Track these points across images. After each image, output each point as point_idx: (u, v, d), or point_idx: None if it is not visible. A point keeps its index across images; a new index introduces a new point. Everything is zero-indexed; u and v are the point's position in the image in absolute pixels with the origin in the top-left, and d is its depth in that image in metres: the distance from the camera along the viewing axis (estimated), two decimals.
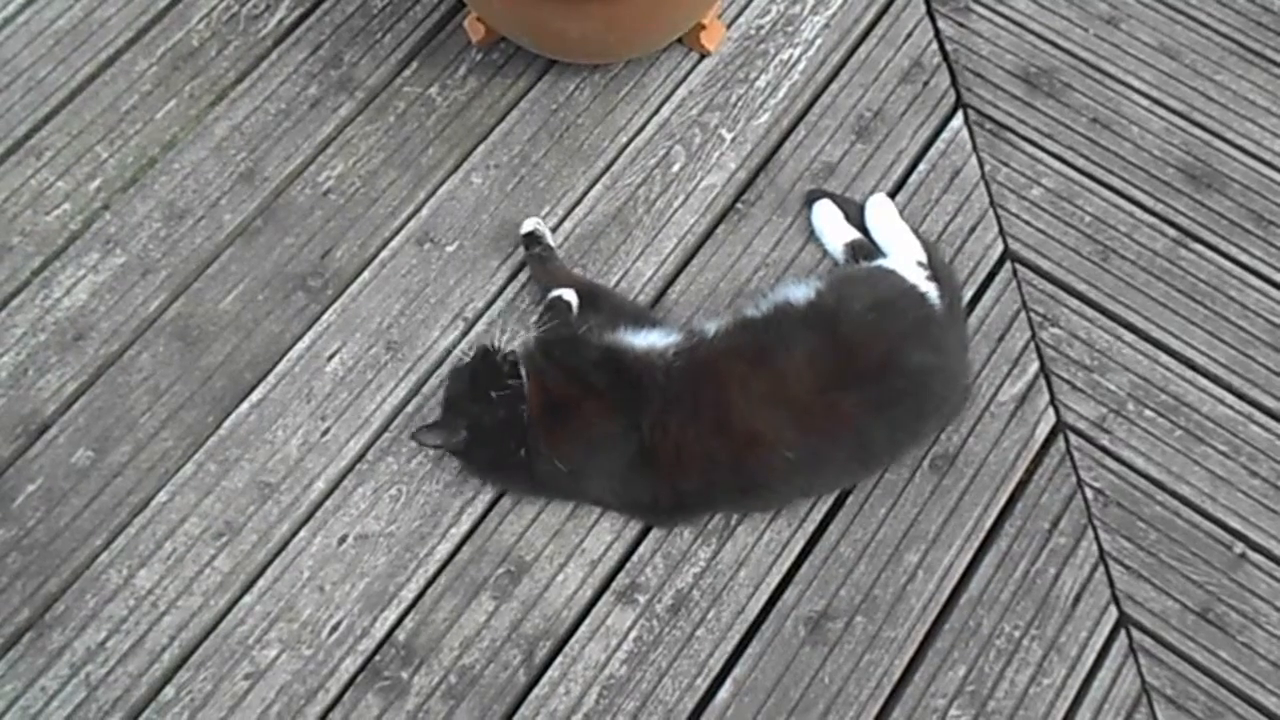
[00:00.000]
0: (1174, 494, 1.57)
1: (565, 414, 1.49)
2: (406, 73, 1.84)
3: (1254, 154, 1.79)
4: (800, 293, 1.53)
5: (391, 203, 1.75)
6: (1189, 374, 1.65)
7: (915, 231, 1.67)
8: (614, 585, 1.52)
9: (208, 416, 1.61)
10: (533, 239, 1.67)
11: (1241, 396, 1.63)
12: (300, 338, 1.66)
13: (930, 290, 1.55)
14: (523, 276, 1.70)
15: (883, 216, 1.68)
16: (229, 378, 1.64)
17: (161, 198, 1.75)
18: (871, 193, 1.75)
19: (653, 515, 1.55)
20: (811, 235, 1.72)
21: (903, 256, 1.60)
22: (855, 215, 1.70)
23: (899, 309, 1.52)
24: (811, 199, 1.73)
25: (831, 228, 1.69)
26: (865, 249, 1.66)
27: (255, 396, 1.62)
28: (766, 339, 1.48)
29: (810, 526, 1.56)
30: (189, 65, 1.84)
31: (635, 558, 1.54)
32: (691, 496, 1.52)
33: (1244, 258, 1.72)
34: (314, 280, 1.70)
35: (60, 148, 1.78)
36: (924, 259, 1.60)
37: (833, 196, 1.73)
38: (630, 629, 1.50)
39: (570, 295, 1.57)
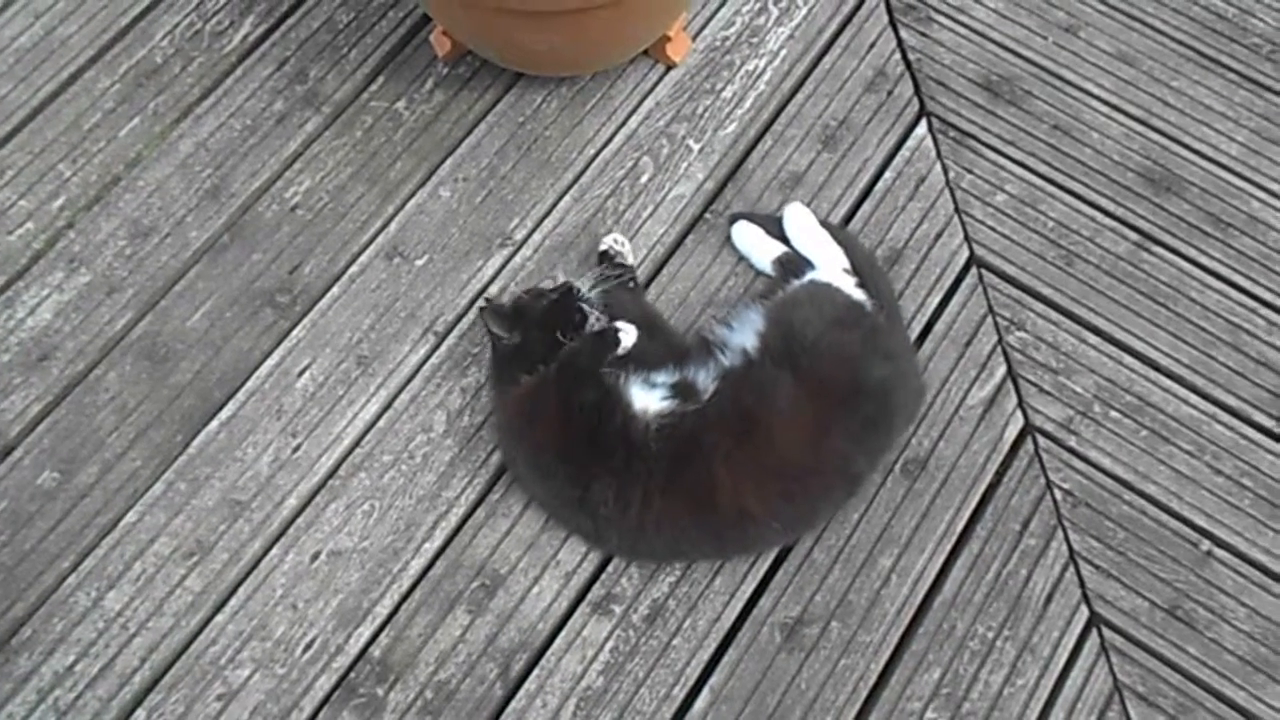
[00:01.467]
0: (1141, 493, 1.60)
1: (532, 426, 1.50)
2: (373, 87, 1.84)
3: (1211, 158, 1.83)
4: (750, 333, 1.52)
5: (360, 217, 1.75)
6: (1153, 375, 1.67)
7: (836, 235, 1.67)
8: (589, 596, 1.52)
9: (176, 435, 1.59)
10: (607, 257, 1.66)
11: (1204, 396, 1.66)
12: (269, 354, 1.65)
13: (862, 297, 1.57)
14: (494, 289, 1.70)
15: (801, 226, 1.67)
16: (198, 396, 1.62)
17: (126, 215, 1.73)
18: (838, 200, 1.77)
19: (595, 545, 1.54)
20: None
21: (829, 265, 1.61)
22: (777, 230, 1.70)
23: (846, 326, 1.52)
24: (731, 223, 1.73)
25: (756, 246, 1.69)
26: (794, 262, 1.65)
27: (224, 414, 1.61)
28: (747, 402, 1.45)
29: None
30: (152, 82, 1.83)
31: (610, 568, 1.54)
32: (648, 551, 1.52)
33: (1204, 260, 1.75)
34: (282, 296, 1.69)
35: (22, 166, 1.76)
36: (848, 264, 1.61)
37: (749, 217, 1.72)
38: (606, 640, 1.50)
39: (629, 336, 1.49)
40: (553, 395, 1.48)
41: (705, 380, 1.50)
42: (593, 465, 1.45)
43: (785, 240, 1.68)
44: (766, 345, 1.50)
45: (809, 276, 1.61)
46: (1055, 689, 1.49)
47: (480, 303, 1.58)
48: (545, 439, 1.49)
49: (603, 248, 1.67)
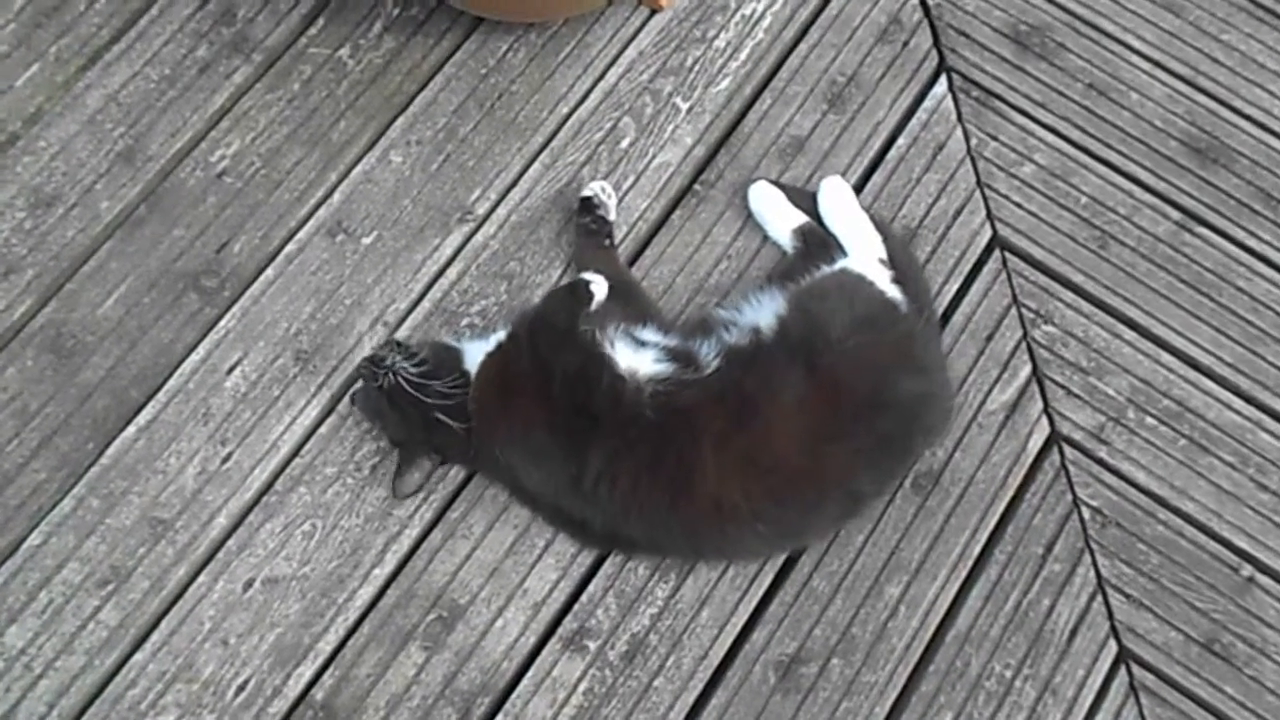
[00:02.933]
0: (1177, 511, 1.44)
1: (510, 404, 1.31)
2: (312, 31, 1.60)
3: (1262, 124, 1.63)
4: (768, 314, 1.35)
5: (298, 186, 1.53)
6: (1193, 375, 1.50)
7: (875, 219, 1.47)
8: (560, 631, 1.36)
9: (88, 443, 1.41)
10: (588, 207, 1.48)
11: (1249, 400, 1.49)
12: (194, 348, 1.45)
13: (898, 296, 1.38)
14: (452, 272, 1.50)
15: (838, 205, 1.48)
16: (112, 396, 1.43)
17: (25, 182, 1.51)
18: (846, 170, 1.56)
19: (582, 538, 1.39)
20: None
21: (864, 254, 1.42)
22: (803, 203, 1.51)
23: (879, 329, 1.34)
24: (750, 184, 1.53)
25: (774, 212, 1.51)
26: (817, 235, 1.47)
27: (143, 418, 1.42)
28: (750, 386, 1.29)
29: (780, 558, 1.39)
30: (53, 22, 1.58)
31: (584, 598, 1.37)
32: (628, 541, 1.37)
33: (1252, 242, 1.57)
34: (209, 279, 1.48)
35: None
36: (885, 255, 1.42)
37: (772, 182, 1.53)
38: (579, 680, 1.34)
39: (600, 287, 1.35)
40: (530, 367, 1.30)
41: (708, 353, 1.34)
42: (586, 435, 1.29)
43: (813, 216, 1.49)
44: (783, 332, 1.33)
45: (840, 264, 1.41)
46: None
47: (392, 498, 1.39)
48: (531, 416, 1.31)
49: (587, 194, 1.49)
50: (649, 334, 1.37)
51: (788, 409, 1.29)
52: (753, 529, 1.32)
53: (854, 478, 1.33)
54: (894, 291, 1.38)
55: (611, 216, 1.49)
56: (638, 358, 1.32)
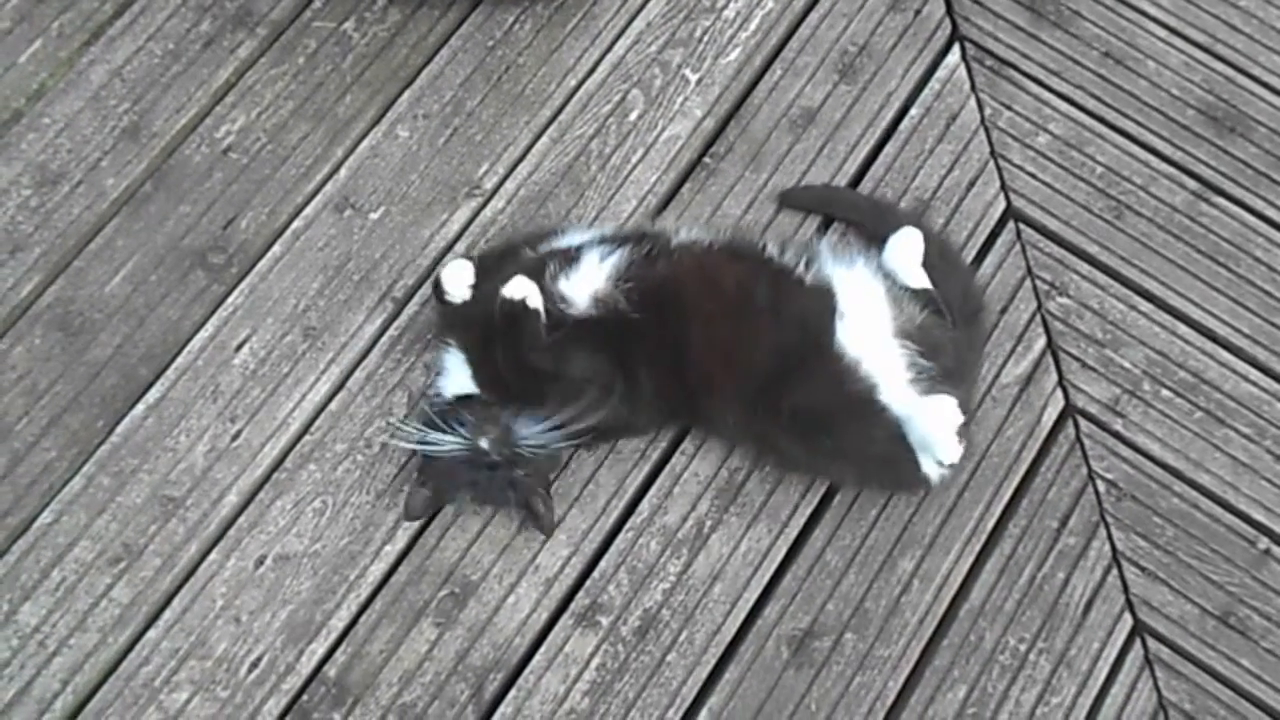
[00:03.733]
0: (1193, 484, 1.42)
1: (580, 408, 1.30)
2: (316, 4, 1.58)
3: None
4: (829, 269, 1.34)
5: (304, 161, 1.51)
6: (1210, 347, 1.48)
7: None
8: (572, 606, 1.35)
9: (97, 421, 1.39)
10: (440, 292, 1.38)
11: (1267, 371, 1.47)
12: (202, 325, 1.44)
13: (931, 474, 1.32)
14: (460, 247, 1.49)
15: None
16: (120, 374, 1.41)
17: (30, 159, 1.49)
18: (857, 142, 1.54)
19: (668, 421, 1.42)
20: None
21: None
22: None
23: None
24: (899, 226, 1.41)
25: (911, 265, 1.38)
26: (934, 302, 1.35)
27: (152, 396, 1.41)
28: (759, 290, 1.30)
29: (793, 532, 1.39)
30: None
31: (596, 574, 1.36)
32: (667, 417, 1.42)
33: (1270, 212, 1.55)
34: (216, 256, 1.46)
35: None
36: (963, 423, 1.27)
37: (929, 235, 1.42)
38: (592, 656, 1.33)
39: (534, 294, 1.26)
40: (550, 388, 1.29)
41: (686, 231, 1.36)
42: (626, 369, 1.30)
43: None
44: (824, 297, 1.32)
45: (939, 393, 1.28)
46: (1094, 708, 1.34)
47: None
48: (589, 404, 1.29)
49: (448, 293, 1.36)
50: (570, 238, 1.35)
51: (778, 337, 1.29)
52: (725, 422, 1.36)
53: (799, 441, 1.33)
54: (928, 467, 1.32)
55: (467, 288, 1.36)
56: (587, 275, 1.30)
